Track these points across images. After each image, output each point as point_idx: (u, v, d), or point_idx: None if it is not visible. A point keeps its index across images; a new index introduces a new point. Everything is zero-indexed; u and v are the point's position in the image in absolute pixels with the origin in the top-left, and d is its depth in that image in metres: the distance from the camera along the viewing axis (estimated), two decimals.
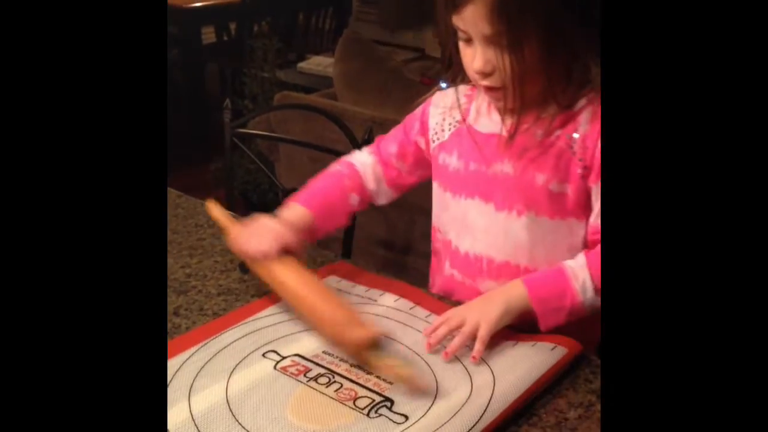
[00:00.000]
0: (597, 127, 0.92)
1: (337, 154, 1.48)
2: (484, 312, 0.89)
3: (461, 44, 0.93)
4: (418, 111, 1.09)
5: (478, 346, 0.86)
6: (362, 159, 1.12)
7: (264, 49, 2.92)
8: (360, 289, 1.03)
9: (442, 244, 1.08)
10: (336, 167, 1.12)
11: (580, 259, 0.93)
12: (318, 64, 3.30)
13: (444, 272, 1.08)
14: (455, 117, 1.04)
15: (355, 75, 2.26)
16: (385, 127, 2.05)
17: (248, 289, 1.04)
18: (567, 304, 0.91)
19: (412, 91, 2.18)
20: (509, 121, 0.97)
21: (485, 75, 0.91)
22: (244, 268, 1.09)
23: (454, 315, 0.90)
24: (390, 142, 1.12)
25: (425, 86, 2.22)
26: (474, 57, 0.91)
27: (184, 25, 3.46)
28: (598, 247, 0.94)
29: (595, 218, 0.95)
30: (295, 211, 1.03)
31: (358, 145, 1.43)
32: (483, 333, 0.87)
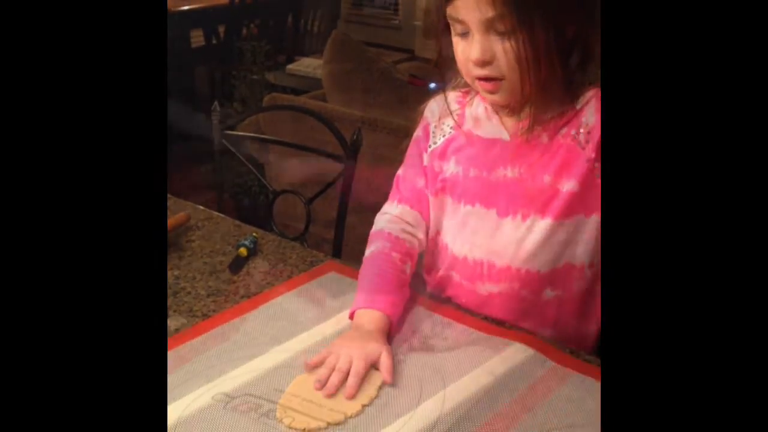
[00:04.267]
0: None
1: (327, 155, 1.49)
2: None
3: (455, 40, 0.91)
4: (420, 133, 1.06)
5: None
6: (391, 218, 1.06)
7: (253, 52, 2.92)
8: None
9: (436, 244, 1.07)
10: (378, 245, 1.02)
11: None
12: (307, 65, 3.31)
13: (439, 272, 1.06)
14: (448, 124, 1.02)
15: (343, 76, 2.27)
16: (374, 127, 2.07)
17: (238, 289, 1.04)
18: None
19: (400, 92, 2.20)
20: (510, 123, 0.96)
21: (484, 63, 0.88)
22: (233, 268, 1.09)
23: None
24: (412, 178, 1.07)
25: (414, 87, 2.24)
26: (470, 49, 0.89)
27: (172, 29, 3.45)
28: None
29: None
30: (371, 317, 0.92)
31: (347, 146, 1.44)
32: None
